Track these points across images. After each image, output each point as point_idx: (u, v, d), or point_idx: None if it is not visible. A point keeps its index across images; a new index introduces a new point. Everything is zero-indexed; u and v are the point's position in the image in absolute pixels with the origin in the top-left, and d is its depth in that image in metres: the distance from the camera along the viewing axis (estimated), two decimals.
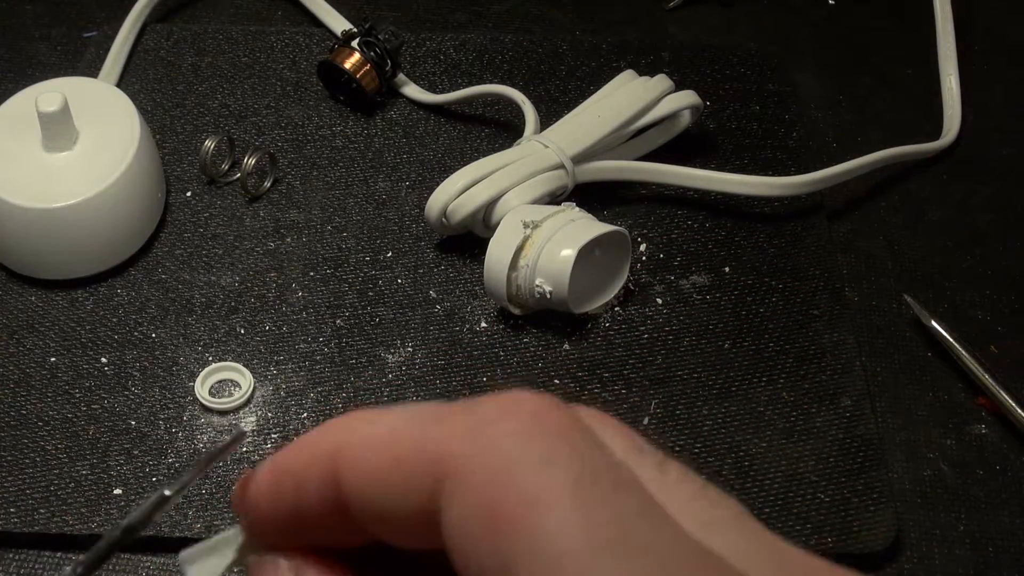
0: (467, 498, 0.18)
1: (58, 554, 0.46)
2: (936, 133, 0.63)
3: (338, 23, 0.66)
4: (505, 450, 0.18)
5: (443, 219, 0.54)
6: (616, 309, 0.54)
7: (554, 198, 0.55)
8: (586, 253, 0.50)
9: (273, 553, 0.23)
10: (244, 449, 0.49)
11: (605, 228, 0.51)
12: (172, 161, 0.60)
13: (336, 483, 0.20)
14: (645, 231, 0.58)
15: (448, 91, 0.63)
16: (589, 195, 0.57)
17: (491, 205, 0.53)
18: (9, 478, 0.48)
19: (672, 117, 0.59)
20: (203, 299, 0.54)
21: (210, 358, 0.52)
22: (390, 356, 0.53)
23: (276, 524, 0.23)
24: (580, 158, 0.55)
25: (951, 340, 0.53)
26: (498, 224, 0.52)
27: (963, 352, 0.52)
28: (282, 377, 0.52)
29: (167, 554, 0.46)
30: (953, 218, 0.60)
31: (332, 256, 0.56)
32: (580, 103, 0.59)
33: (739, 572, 0.18)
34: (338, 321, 0.54)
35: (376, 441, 0.20)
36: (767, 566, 0.18)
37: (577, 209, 0.53)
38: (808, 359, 0.53)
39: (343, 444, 0.21)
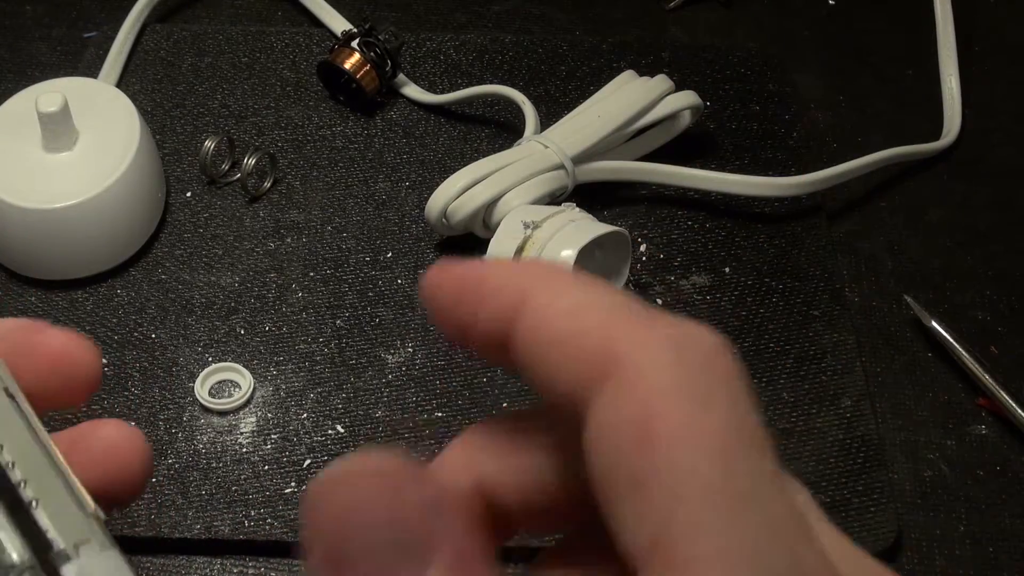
0: (625, 404, 0.19)
1: None
2: (936, 133, 0.63)
3: (338, 23, 0.66)
4: (675, 376, 0.19)
5: (443, 219, 0.54)
6: None
7: (554, 198, 0.55)
8: (586, 254, 0.50)
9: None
10: (244, 449, 0.49)
11: (605, 228, 0.51)
12: (172, 161, 0.60)
13: (511, 322, 0.21)
14: (645, 231, 0.58)
15: (448, 91, 0.63)
16: (589, 195, 0.57)
17: (491, 205, 0.53)
18: None
19: (672, 117, 0.59)
20: (203, 299, 0.54)
21: (210, 358, 0.52)
22: (390, 356, 0.52)
23: (450, 316, 0.23)
24: (580, 158, 0.55)
25: (951, 340, 0.53)
26: (498, 224, 0.52)
27: (963, 353, 0.52)
28: (282, 378, 0.52)
29: (167, 555, 0.46)
30: (953, 218, 0.60)
31: (332, 256, 0.56)
32: (580, 103, 0.59)
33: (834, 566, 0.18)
34: (338, 321, 0.54)
35: (562, 305, 0.20)
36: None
37: (577, 209, 0.53)
38: (808, 359, 0.53)
39: (532, 291, 0.21)
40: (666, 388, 0.19)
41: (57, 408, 0.26)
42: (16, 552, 0.20)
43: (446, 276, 0.23)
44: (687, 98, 0.58)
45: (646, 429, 0.18)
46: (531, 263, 0.22)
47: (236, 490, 0.48)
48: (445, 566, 0.19)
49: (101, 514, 0.22)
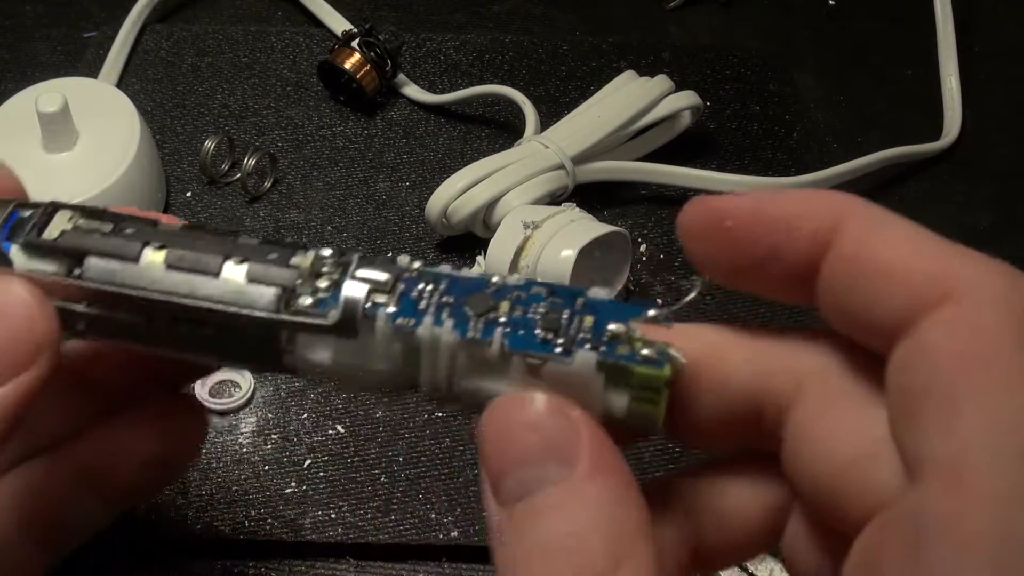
0: (960, 330, 0.19)
1: None
2: (936, 133, 0.63)
3: (338, 23, 0.66)
4: (1009, 316, 0.19)
5: (443, 219, 0.54)
6: None
7: (554, 198, 0.55)
8: (586, 254, 0.50)
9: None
10: (244, 449, 0.49)
11: (605, 229, 0.51)
12: (172, 161, 0.60)
13: (825, 249, 0.21)
14: (645, 231, 0.58)
15: (448, 91, 0.63)
16: (589, 195, 0.57)
17: (491, 205, 0.53)
18: None
19: (672, 117, 0.59)
20: None
21: None
22: None
23: (730, 248, 0.23)
24: (580, 158, 0.55)
25: None
26: (498, 225, 0.52)
27: None
28: (282, 378, 0.52)
29: (167, 555, 0.46)
30: (953, 218, 0.60)
31: None
32: (580, 103, 0.59)
33: None
34: None
35: (887, 234, 0.21)
36: None
37: (577, 210, 0.53)
38: None
39: (850, 219, 0.21)
40: (1001, 326, 0.19)
41: None
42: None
43: (732, 208, 0.23)
44: (687, 98, 0.58)
45: (976, 360, 0.19)
46: (829, 193, 0.22)
47: (236, 490, 0.48)
48: (584, 469, 0.21)
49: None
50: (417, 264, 0.25)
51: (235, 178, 0.59)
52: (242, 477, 0.48)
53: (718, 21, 0.71)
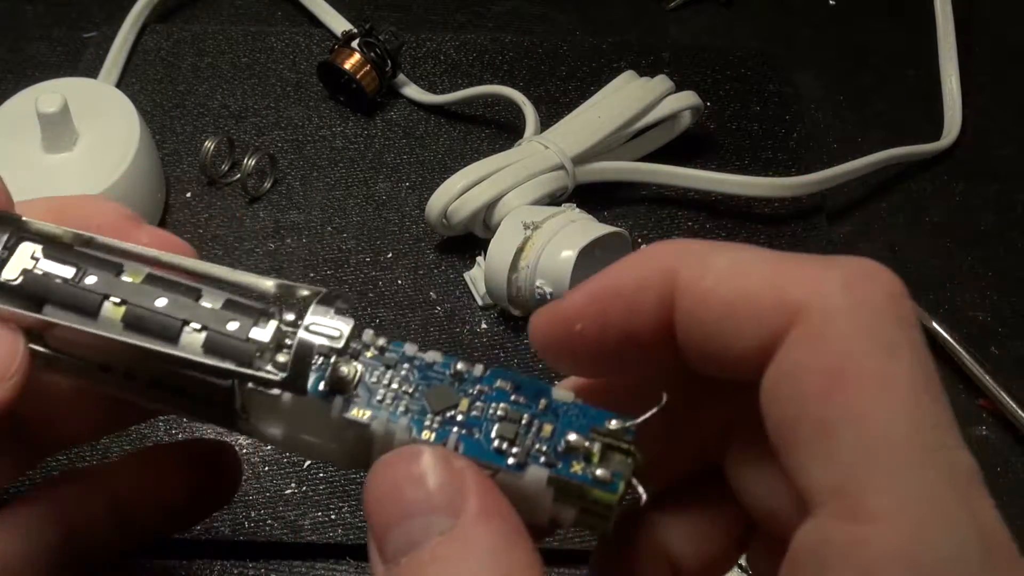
0: (813, 352, 0.18)
1: None
2: (936, 133, 0.63)
3: (338, 24, 0.66)
4: (859, 321, 0.18)
5: (443, 220, 0.54)
6: None
7: (554, 199, 0.55)
8: (587, 254, 0.50)
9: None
10: (244, 450, 0.49)
11: (605, 229, 0.51)
12: (172, 162, 0.60)
13: (671, 307, 0.21)
14: (645, 232, 0.58)
15: (448, 92, 0.63)
16: (589, 196, 0.57)
17: (491, 206, 0.53)
18: None
19: (672, 118, 0.59)
20: None
21: None
22: None
23: (591, 348, 0.22)
24: (580, 159, 0.55)
25: (952, 342, 0.53)
26: (498, 225, 0.52)
27: (964, 354, 0.52)
28: None
29: (167, 556, 0.46)
30: (954, 219, 0.60)
31: (332, 257, 0.56)
32: (580, 104, 0.59)
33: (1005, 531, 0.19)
34: None
35: (719, 272, 0.20)
36: None
37: (577, 210, 0.53)
38: None
39: (681, 269, 0.21)
40: (853, 334, 0.18)
41: None
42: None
43: (576, 312, 0.22)
44: (687, 98, 0.58)
45: (836, 377, 0.18)
46: (655, 246, 0.22)
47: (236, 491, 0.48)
48: (471, 517, 0.20)
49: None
50: (381, 341, 0.24)
51: (235, 178, 0.59)
52: (242, 478, 0.48)
53: (718, 21, 0.70)
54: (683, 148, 0.60)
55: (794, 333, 0.19)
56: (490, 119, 0.63)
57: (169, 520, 0.32)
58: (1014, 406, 0.51)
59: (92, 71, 0.63)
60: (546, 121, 0.58)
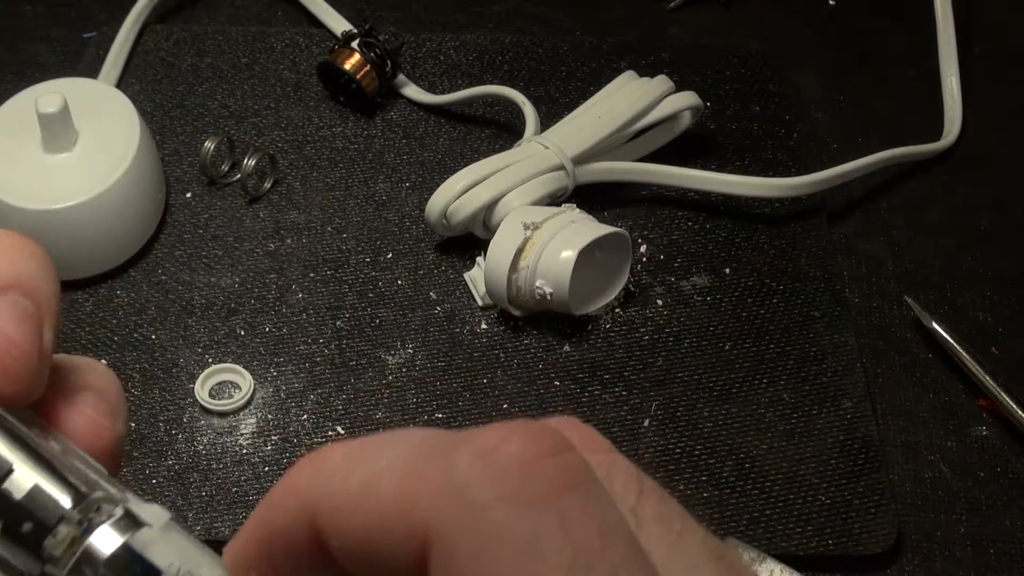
0: (453, 570, 0.17)
1: None
2: (936, 134, 0.63)
3: (338, 24, 0.66)
4: (491, 523, 0.17)
5: (443, 220, 0.54)
6: (616, 311, 0.54)
7: (555, 199, 0.55)
8: (587, 254, 0.50)
9: None
10: (244, 451, 0.49)
11: (605, 229, 0.51)
12: (172, 162, 0.60)
13: (322, 539, 0.19)
14: (645, 232, 0.58)
15: (448, 92, 0.63)
16: (590, 196, 0.57)
17: (491, 206, 0.53)
18: None
19: (672, 118, 0.59)
20: (203, 300, 0.54)
21: (210, 360, 0.52)
22: (390, 358, 0.52)
23: None
24: (581, 159, 0.55)
25: (952, 342, 0.53)
26: (498, 225, 0.52)
27: (964, 354, 0.52)
28: (282, 379, 0.52)
29: None
30: (953, 219, 0.60)
31: (332, 257, 0.56)
32: (580, 104, 0.59)
33: None
34: (338, 323, 0.54)
35: (351, 501, 0.19)
36: None
37: (577, 210, 0.53)
38: (809, 361, 0.53)
39: (319, 502, 0.19)
40: (487, 540, 0.17)
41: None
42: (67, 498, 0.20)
43: (245, 560, 0.21)
44: (687, 99, 0.58)
45: None
46: (295, 476, 0.20)
47: (236, 491, 0.48)
48: None
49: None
50: None
51: (235, 179, 0.59)
52: (242, 478, 0.48)
53: (718, 21, 0.70)
54: (683, 148, 0.60)
55: (433, 557, 0.17)
56: (490, 119, 0.63)
57: None
58: (1014, 406, 0.51)
59: (92, 71, 0.63)
60: (546, 121, 0.58)
